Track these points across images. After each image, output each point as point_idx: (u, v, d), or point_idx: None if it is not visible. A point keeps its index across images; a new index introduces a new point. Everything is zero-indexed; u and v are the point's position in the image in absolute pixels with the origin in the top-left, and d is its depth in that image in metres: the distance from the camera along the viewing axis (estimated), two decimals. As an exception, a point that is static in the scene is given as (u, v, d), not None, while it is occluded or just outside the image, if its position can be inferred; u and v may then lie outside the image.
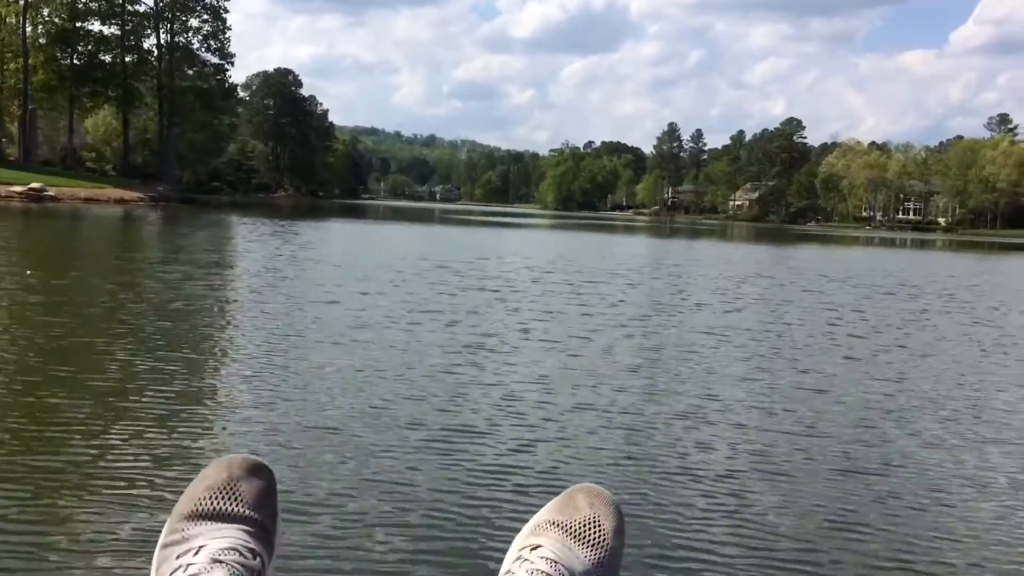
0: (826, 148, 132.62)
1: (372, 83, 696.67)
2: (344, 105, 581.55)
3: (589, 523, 0.83)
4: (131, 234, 23.53)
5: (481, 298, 11.80)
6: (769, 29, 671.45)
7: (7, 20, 48.11)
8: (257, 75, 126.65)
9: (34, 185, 33.96)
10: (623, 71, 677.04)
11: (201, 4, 59.86)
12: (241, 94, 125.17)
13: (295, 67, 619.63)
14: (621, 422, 5.64)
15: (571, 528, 0.83)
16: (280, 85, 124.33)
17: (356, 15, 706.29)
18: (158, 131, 62.16)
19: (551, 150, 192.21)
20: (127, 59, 57.07)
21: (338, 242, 23.76)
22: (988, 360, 9.31)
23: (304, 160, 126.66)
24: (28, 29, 48.91)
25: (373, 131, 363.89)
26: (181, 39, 61.80)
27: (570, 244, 32.14)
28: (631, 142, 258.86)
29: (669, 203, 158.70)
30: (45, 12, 50.00)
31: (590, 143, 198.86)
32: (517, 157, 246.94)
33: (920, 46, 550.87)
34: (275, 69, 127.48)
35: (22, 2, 47.70)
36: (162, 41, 60.80)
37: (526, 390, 6.37)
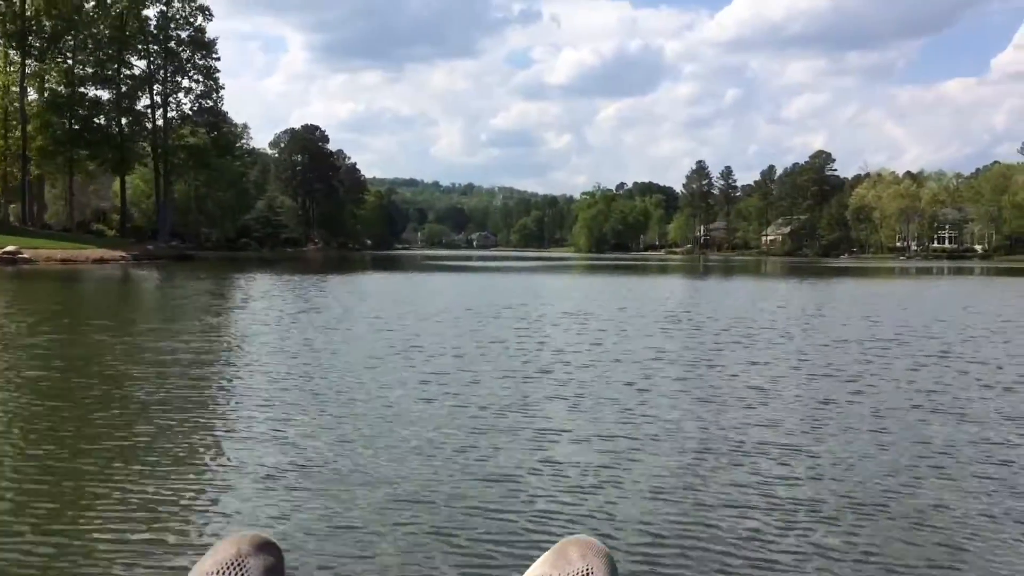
0: (859, 180, 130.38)
1: (411, 136, 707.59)
2: (384, 159, 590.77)
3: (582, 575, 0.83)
4: (67, 294, 23.34)
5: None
6: (805, 65, 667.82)
7: (10, 89, 49.82)
8: (285, 132, 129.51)
9: (8, 248, 34.62)
10: (659, 111, 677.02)
11: (193, 65, 61.52)
12: (269, 151, 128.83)
13: (336, 123, 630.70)
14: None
15: None
16: (307, 141, 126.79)
17: (395, 71, 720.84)
18: (154, 191, 63.30)
19: (583, 193, 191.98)
20: (122, 121, 58.63)
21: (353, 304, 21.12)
22: None
23: (333, 213, 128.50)
24: (30, 95, 50.51)
25: (412, 182, 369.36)
26: (174, 100, 63.27)
27: (626, 288, 29.62)
28: (668, 181, 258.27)
29: (702, 241, 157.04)
30: (43, 80, 51.61)
31: (622, 184, 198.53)
32: (552, 201, 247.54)
33: (960, 74, 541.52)
34: (302, 125, 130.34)
35: (19, 71, 49.49)
36: (155, 102, 62.28)
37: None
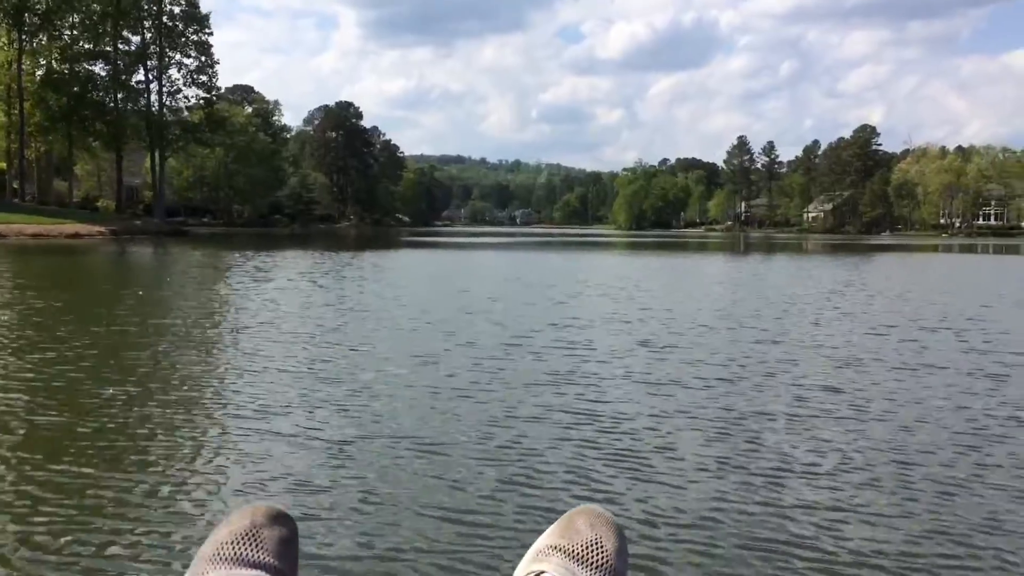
0: (906, 154, 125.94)
1: (461, 112, 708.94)
2: (433, 136, 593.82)
3: (591, 545, 0.83)
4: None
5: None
6: (866, 35, 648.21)
7: (12, 66, 50.84)
8: (319, 109, 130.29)
9: (-26, 223, 35.16)
10: (712, 86, 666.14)
11: (186, 40, 61.95)
12: (303, 127, 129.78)
13: (386, 100, 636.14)
14: None
15: (573, 551, 0.82)
16: (341, 118, 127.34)
17: (446, 46, 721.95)
18: (151, 166, 64.07)
19: (624, 169, 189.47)
20: (118, 96, 59.42)
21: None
22: None
23: (367, 190, 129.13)
24: (25, 68, 51.33)
25: (459, 159, 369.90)
26: (167, 75, 64.06)
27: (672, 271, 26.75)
28: (721, 157, 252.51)
29: (742, 218, 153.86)
30: (40, 58, 52.54)
31: (664, 160, 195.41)
32: (596, 178, 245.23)
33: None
34: (336, 102, 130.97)
35: (16, 47, 50.42)
36: (149, 77, 62.96)
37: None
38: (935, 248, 59.27)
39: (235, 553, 0.80)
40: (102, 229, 42.58)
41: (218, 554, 0.80)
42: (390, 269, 24.03)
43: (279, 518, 0.85)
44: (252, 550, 0.80)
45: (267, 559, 0.80)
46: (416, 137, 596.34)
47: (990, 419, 5.98)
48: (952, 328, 11.37)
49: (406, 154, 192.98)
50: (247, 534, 0.82)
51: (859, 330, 11.22)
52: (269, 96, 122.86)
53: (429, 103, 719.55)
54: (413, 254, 34.23)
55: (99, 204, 66.17)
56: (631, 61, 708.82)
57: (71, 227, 40.58)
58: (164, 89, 62.80)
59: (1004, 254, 48.09)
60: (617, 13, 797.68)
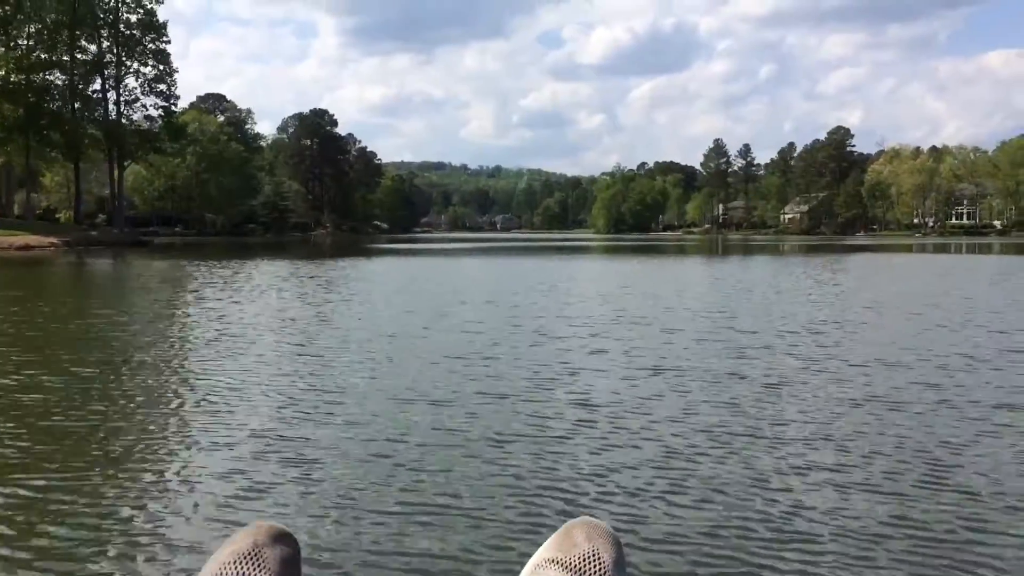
0: (879, 155, 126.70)
1: (442, 118, 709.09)
2: (414, 142, 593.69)
3: (588, 557, 0.82)
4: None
5: None
6: (844, 39, 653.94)
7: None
8: (293, 116, 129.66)
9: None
10: (693, 89, 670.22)
11: (142, 48, 61.30)
12: (277, 135, 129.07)
13: (367, 107, 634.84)
14: None
15: (571, 564, 0.82)
16: (315, 125, 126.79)
17: (426, 53, 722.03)
18: (108, 176, 63.24)
19: (602, 173, 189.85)
20: (75, 105, 58.76)
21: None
22: None
23: (343, 197, 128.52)
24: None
25: (440, 165, 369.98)
26: (124, 85, 63.42)
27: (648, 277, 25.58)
28: (700, 161, 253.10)
29: (719, 220, 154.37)
30: None
31: (643, 164, 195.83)
32: (575, 183, 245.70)
33: (1003, 46, 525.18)
34: (311, 110, 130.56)
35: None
36: (107, 87, 62.37)
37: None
38: (910, 248, 59.37)
39: (237, 573, 0.80)
40: (54, 240, 41.78)
41: (220, 574, 0.80)
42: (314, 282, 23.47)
43: (282, 538, 0.85)
44: (254, 570, 0.80)
45: None
46: (397, 144, 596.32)
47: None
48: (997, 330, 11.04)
49: (387, 161, 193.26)
50: (250, 554, 0.81)
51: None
52: (247, 105, 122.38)
53: (410, 110, 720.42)
54: (370, 263, 33.68)
55: (59, 216, 65.13)
56: (611, 66, 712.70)
57: (22, 239, 39.82)
58: (122, 98, 62.08)
59: (978, 253, 48.03)
60: (598, 18, 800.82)
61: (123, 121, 61.54)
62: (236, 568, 0.80)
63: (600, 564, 0.82)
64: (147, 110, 62.51)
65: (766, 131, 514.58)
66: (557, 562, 0.82)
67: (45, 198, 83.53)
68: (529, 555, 0.86)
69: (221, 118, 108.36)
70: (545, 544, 0.87)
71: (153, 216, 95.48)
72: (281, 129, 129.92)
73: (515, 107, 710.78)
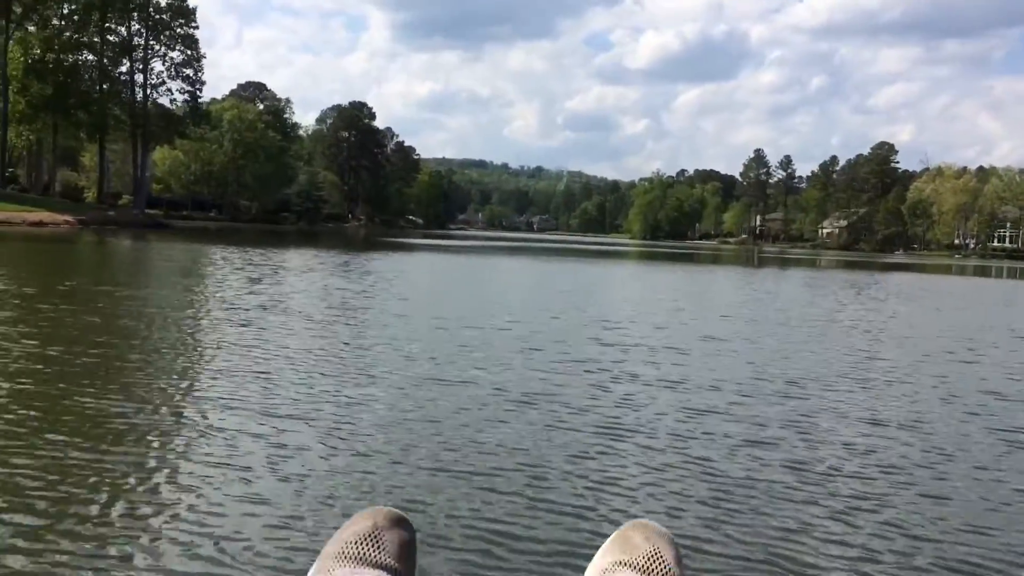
0: (925, 174, 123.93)
1: (487, 116, 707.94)
2: (458, 138, 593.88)
3: (652, 556, 0.85)
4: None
5: None
6: (899, 53, 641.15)
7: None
8: (332, 108, 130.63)
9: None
10: (740, 98, 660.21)
11: (171, 32, 62.07)
12: (316, 126, 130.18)
13: (414, 102, 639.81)
14: None
15: (638, 564, 0.84)
16: (354, 118, 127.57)
17: (474, 51, 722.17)
18: (132, 157, 64.05)
19: (641, 178, 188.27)
20: (103, 87, 59.62)
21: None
22: None
23: (378, 190, 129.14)
24: (11, 57, 51.62)
25: (482, 163, 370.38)
26: (152, 68, 64.23)
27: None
28: (740, 170, 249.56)
29: (756, 231, 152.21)
30: (26, 46, 52.72)
31: (682, 171, 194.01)
32: (614, 187, 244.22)
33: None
34: (349, 102, 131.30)
35: (2, 36, 50.52)
36: (134, 69, 63.13)
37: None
38: (949, 269, 57.90)
39: (358, 552, 0.83)
40: (69, 218, 42.26)
41: (343, 552, 0.83)
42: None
43: (400, 522, 0.88)
44: (374, 551, 0.83)
45: (388, 560, 0.83)
46: (441, 140, 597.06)
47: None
48: None
49: (429, 156, 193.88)
50: (370, 535, 0.85)
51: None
52: (297, 95, 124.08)
53: (455, 106, 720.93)
54: (383, 258, 33.49)
55: (86, 195, 66.20)
56: (659, 71, 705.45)
57: (37, 215, 40.35)
58: (149, 82, 62.93)
59: (1019, 279, 46.15)
60: (647, 22, 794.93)
61: (148, 104, 62.52)
62: (356, 548, 0.83)
63: (664, 562, 0.84)
64: (172, 94, 63.31)
65: (812, 143, 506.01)
66: (625, 564, 0.84)
67: (85, 177, 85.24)
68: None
69: (260, 106, 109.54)
70: (602, 549, 0.88)
71: (189, 199, 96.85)
72: (320, 120, 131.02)
73: (560, 108, 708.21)
